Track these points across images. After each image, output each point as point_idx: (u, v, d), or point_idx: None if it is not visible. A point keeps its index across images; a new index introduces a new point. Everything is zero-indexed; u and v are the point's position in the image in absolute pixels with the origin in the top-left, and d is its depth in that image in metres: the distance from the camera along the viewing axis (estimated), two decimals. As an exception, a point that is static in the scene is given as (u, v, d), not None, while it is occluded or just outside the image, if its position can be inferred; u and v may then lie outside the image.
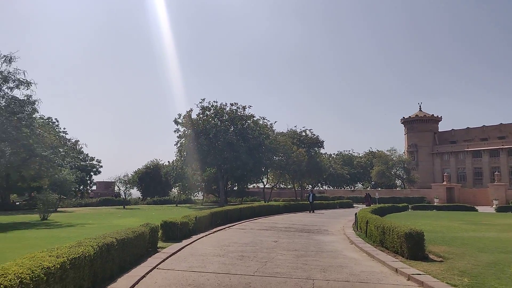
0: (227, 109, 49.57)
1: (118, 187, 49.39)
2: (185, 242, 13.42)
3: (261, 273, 8.97)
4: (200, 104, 48.63)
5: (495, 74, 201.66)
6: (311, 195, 35.99)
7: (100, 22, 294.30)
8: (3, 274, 4.35)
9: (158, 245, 12.04)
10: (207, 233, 16.38)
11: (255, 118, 51.23)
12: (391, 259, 10.73)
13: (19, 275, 4.53)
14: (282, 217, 27.87)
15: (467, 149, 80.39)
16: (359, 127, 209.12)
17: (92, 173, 56.91)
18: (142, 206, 47.53)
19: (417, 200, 59.12)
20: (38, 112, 25.30)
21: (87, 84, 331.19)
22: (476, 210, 42.64)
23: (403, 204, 45.47)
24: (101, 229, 16.78)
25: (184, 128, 48.38)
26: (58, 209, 35.44)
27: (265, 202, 43.68)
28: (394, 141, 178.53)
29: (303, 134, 64.04)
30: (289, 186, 71.42)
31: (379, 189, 71.34)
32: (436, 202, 57.18)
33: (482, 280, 8.10)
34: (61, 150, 28.88)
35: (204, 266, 9.63)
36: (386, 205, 36.68)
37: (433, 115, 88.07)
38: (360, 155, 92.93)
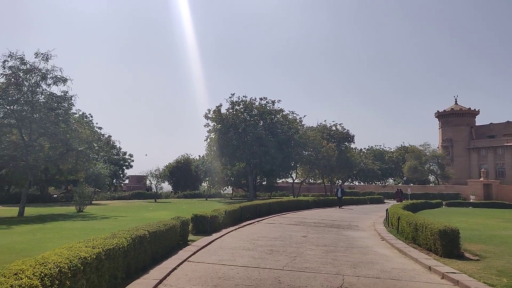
0: (257, 103, 49.51)
1: (149, 181, 50.64)
2: (215, 235, 13.58)
3: (290, 267, 8.95)
4: (230, 99, 48.87)
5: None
6: (339, 190, 35.61)
7: (135, 17, 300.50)
8: (43, 263, 4.55)
9: (188, 238, 12.24)
10: (236, 227, 16.52)
11: (284, 113, 50.95)
12: (424, 256, 10.45)
13: (58, 264, 4.73)
14: (311, 212, 27.72)
15: (506, 144, 76.76)
16: (391, 121, 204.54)
17: (124, 167, 58.61)
18: (173, 200, 48.53)
19: (451, 196, 57.23)
20: (74, 106, 26.11)
21: (121, 81, 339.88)
22: (516, 208, 40.92)
23: (436, 200, 44.18)
24: (133, 221, 17.26)
25: (213, 123, 48.75)
26: (93, 202, 36.69)
27: (294, 197, 43.50)
28: (427, 136, 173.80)
29: (333, 128, 63.23)
30: (318, 181, 70.75)
31: (411, 184, 69.58)
32: (472, 199, 55.17)
33: (522, 281, 7.75)
34: (95, 144, 29.76)
35: (234, 260, 9.71)
36: (419, 201, 35.76)
37: (469, 108, 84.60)
38: (392, 150, 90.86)
